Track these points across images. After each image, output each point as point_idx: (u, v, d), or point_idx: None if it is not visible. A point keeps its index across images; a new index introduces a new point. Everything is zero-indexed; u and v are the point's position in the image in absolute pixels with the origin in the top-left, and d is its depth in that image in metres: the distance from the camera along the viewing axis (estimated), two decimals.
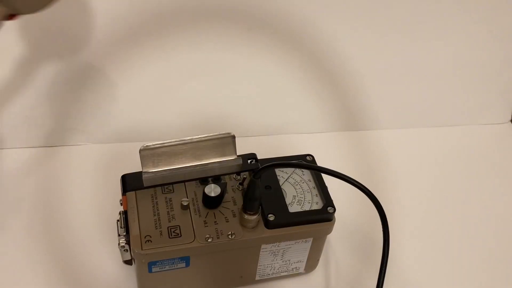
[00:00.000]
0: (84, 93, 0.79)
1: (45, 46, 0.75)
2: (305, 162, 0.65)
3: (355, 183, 0.49)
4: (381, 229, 0.52)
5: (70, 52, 0.76)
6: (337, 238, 0.71)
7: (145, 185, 0.58)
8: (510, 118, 0.95)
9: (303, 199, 0.61)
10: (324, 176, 0.63)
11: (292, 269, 0.64)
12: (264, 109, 0.84)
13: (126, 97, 0.80)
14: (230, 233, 0.56)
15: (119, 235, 0.56)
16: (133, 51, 0.77)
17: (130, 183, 0.59)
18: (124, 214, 0.57)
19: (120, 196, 0.59)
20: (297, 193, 0.61)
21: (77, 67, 0.77)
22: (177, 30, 0.77)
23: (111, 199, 0.67)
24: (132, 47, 0.77)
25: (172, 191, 0.60)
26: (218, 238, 0.55)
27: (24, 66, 0.76)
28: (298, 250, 0.61)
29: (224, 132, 0.58)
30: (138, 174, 0.58)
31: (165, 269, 0.56)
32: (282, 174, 0.63)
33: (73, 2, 0.71)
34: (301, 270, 0.64)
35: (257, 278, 0.63)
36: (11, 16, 0.51)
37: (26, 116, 0.78)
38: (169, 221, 0.56)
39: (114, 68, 0.77)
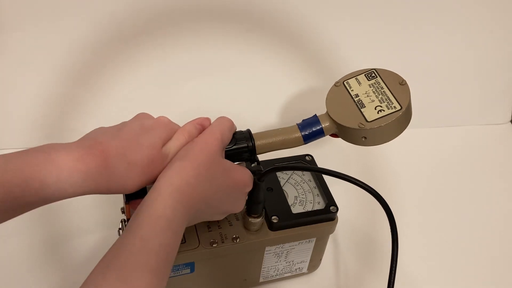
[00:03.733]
0: (84, 93, 0.78)
1: (45, 48, 0.74)
2: (307, 164, 0.64)
3: (362, 184, 0.48)
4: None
5: (70, 53, 0.75)
6: (338, 237, 0.71)
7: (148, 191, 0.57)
8: (510, 119, 0.96)
9: (304, 199, 0.60)
10: (325, 176, 0.62)
11: (296, 269, 0.64)
12: (264, 109, 0.83)
13: (126, 97, 0.79)
14: (234, 236, 0.55)
15: None
16: (133, 52, 0.76)
17: None
18: (126, 222, 0.56)
19: (121, 204, 0.58)
20: (298, 193, 0.61)
21: (78, 68, 0.76)
22: (177, 31, 0.76)
23: (113, 207, 0.66)
24: (132, 47, 0.76)
25: None
26: (223, 242, 0.55)
27: (24, 67, 0.75)
28: (301, 251, 0.61)
29: None
30: None
31: (169, 275, 0.55)
32: (282, 175, 0.63)
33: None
34: (304, 270, 0.64)
35: (261, 280, 0.63)
36: (334, 135, 0.56)
37: (26, 116, 0.77)
38: None
39: (114, 68, 0.77)
